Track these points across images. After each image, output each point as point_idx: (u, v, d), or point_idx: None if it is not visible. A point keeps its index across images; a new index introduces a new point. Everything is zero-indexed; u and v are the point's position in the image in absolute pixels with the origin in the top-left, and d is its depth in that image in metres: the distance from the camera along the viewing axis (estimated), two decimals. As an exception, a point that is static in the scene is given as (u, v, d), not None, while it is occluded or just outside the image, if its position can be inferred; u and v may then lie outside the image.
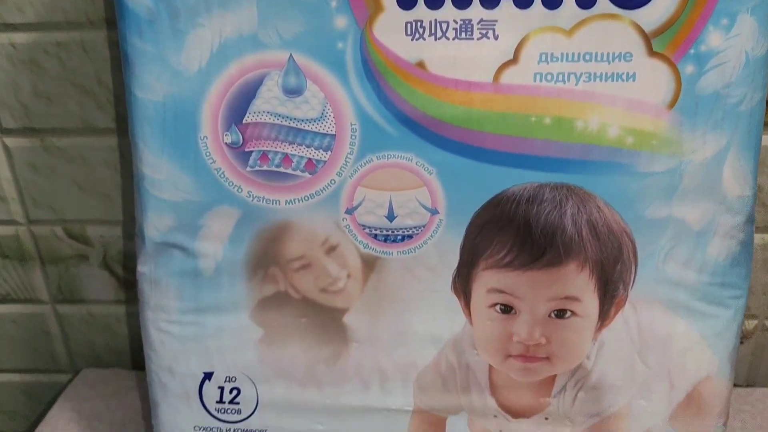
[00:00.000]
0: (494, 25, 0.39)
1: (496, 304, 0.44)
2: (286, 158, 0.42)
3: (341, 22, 0.39)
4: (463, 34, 0.39)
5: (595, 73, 0.40)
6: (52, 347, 0.76)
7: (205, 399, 0.47)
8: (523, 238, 0.42)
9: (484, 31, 0.39)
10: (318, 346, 0.46)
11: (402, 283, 0.44)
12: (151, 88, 0.41)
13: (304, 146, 0.42)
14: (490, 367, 0.45)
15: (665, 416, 0.46)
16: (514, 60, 0.40)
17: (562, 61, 0.39)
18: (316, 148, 0.42)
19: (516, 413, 0.46)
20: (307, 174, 0.42)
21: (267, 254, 0.44)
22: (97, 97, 0.62)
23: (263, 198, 0.43)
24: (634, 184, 0.41)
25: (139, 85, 0.41)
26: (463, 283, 0.44)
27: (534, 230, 0.42)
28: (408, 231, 0.43)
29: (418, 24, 0.39)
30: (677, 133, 0.40)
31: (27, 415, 0.82)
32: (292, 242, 0.44)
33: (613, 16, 0.39)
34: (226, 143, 0.42)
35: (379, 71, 0.40)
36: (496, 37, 0.39)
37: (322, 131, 0.42)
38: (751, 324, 0.66)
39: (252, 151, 0.42)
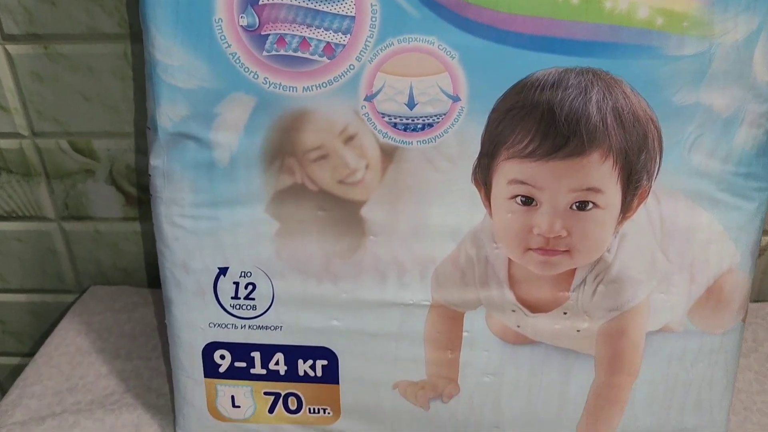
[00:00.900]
0: None
1: (516, 196, 0.43)
2: (304, 42, 0.41)
3: None
4: None
5: (626, -51, 0.38)
6: (58, 266, 0.76)
7: (220, 295, 0.47)
8: (546, 126, 0.41)
9: None
10: (335, 240, 0.45)
11: (421, 174, 0.43)
12: (163, -34, 0.40)
13: (322, 29, 0.41)
14: (510, 260, 0.45)
15: (684, 310, 0.45)
16: (543, -66, 0.38)
17: (592, -65, 0.38)
18: (334, 31, 0.41)
19: (534, 307, 0.46)
20: (325, 59, 0.41)
21: (283, 144, 0.43)
22: (103, 1, 0.60)
23: (280, 85, 0.42)
24: (662, 69, 0.40)
25: (151, -37, 0.40)
26: (483, 174, 0.43)
27: (558, 118, 0.41)
28: (428, 119, 0.42)
29: None
30: (708, 13, 0.39)
31: (34, 336, 0.82)
32: (309, 131, 0.43)
33: None
34: (241, 26, 0.41)
35: (402, -53, 0.39)
36: None
37: (341, 13, 0.40)
38: (763, 240, 0.66)
39: (268, 35, 0.41)
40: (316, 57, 0.41)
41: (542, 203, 0.43)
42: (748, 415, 0.55)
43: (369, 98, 0.42)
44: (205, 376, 0.50)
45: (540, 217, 0.43)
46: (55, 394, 0.59)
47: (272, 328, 0.48)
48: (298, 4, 0.40)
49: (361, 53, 0.41)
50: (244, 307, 0.47)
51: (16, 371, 0.82)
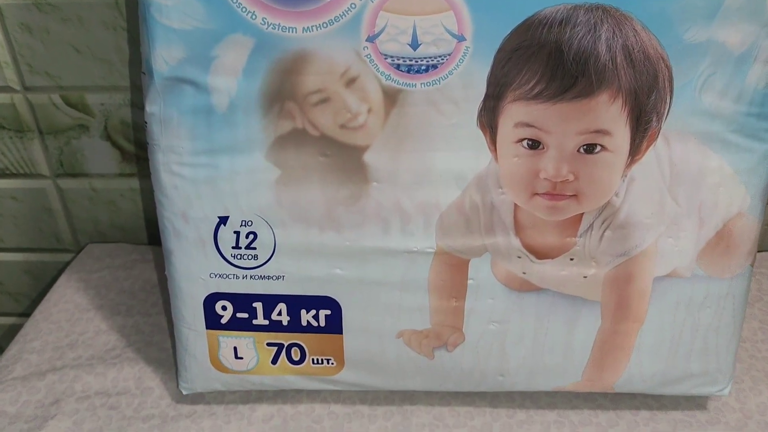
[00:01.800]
0: None
1: (523, 140, 0.42)
2: (303, -21, 0.39)
3: None
4: None
5: None
6: (54, 224, 0.75)
7: (220, 245, 0.46)
8: (553, 66, 0.40)
9: None
10: (337, 187, 0.44)
11: (425, 117, 0.42)
12: None
13: (322, -35, 0.39)
14: (516, 206, 0.44)
15: (693, 255, 0.45)
16: None
17: None
18: (335, -32, 0.39)
19: (540, 254, 0.45)
20: (325, -3, 0.40)
21: (283, 88, 0.42)
22: (92, -56, 0.58)
23: (279, 25, 0.40)
24: (673, 4, 0.39)
25: None
26: (489, 117, 0.42)
27: (566, 57, 0.40)
28: (432, 60, 0.41)
29: None
30: (722, -55, 0.38)
31: (31, 296, 0.81)
32: (309, 74, 0.41)
33: None
34: (238, -37, 0.39)
35: None
36: None
37: (341, -52, 0.39)
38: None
39: (266, -28, 0.39)
40: (316, -5, 0.40)
41: (549, 147, 0.42)
42: (753, 362, 0.55)
43: (371, 39, 0.40)
44: (206, 328, 0.49)
45: (547, 161, 0.42)
46: (55, 349, 0.58)
47: (274, 278, 0.47)
48: (296, -61, 0.39)
49: (363, -9, 0.39)
50: (245, 256, 0.46)
51: (13, 331, 0.82)
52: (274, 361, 0.50)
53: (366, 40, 0.40)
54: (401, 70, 0.41)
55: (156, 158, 0.45)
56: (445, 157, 0.43)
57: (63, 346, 0.59)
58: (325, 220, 0.45)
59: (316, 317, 0.48)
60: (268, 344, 0.49)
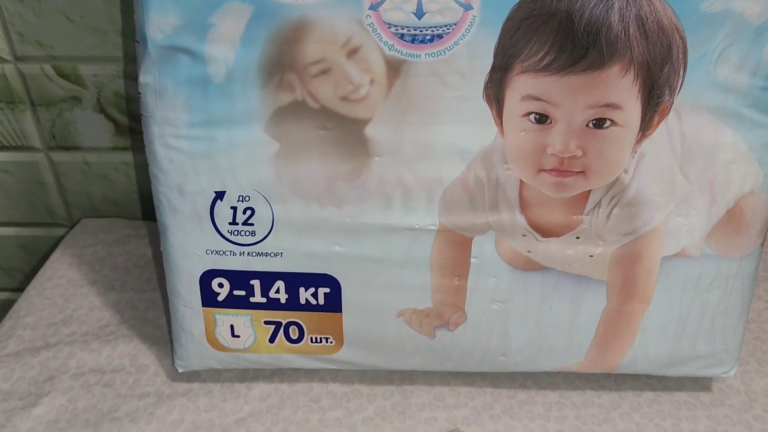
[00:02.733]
0: None
1: (530, 113, 0.41)
2: (304, -57, 0.38)
3: None
4: None
5: None
6: (47, 198, 0.73)
7: (217, 220, 0.45)
8: (563, 37, 0.38)
9: None
10: (337, 161, 0.43)
11: (429, 90, 0.41)
12: None
13: (323, -72, 0.37)
14: (521, 182, 0.42)
15: (702, 234, 0.44)
16: None
17: None
18: (336, -69, 0.37)
19: (546, 232, 0.44)
20: (326, -38, 0.38)
21: (283, 58, 0.40)
22: None
23: (278, -8, 0.39)
24: (690, -28, 0.37)
25: None
26: (495, 90, 0.41)
27: (576, 27, 0.38)
28: (438, 30, 0.39)
29: None
30: None
31: (25, 270, 0.80)
32: (310, 43, 0.40)
33: None
34: (235, -75, 0.38)
35: None
36: None
37: None
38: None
39: (265, -65, 0.38)
40: (317, -40, 0.38)
41: (557, 121, 0.40)
42: (758, 344, 0.54)
43: (374, 7, 0.39)
44: (203, 305, 0.48)
45: (554, 136, 0.41)
46: (48, 325, 0.57)
47: (272, 254, 0.46)
48: None
49: (366, -44, 0.38)
50: (242, 233, 0.45)
51: (6, 306, 0.81)
52: (272, 339, 0.49)
53: (369, 8, 0.39)
54: (405, 40, 0.40)
55: (150, 131, 0.43)
56: (450, 130, 0.42)
57: (57, 323, 0.58)
58: (325, 196, 0.43)
59: (315, 295, 0.47)
60: (266, 322, 0.48)
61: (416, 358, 0.49)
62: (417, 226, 0.44)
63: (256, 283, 0.47)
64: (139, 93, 0.43)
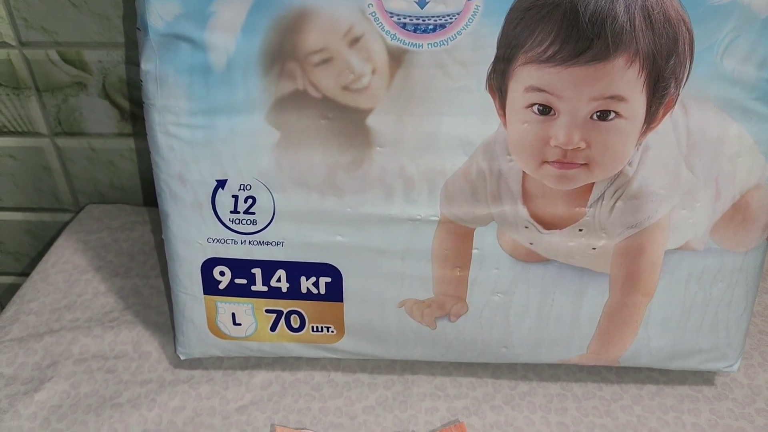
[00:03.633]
0: None
1: (533, 105, 0.40)
2: (305, -69, 0.37)
3: None
4: None
5: None
6: (53, 184, 0.73)
7: (218, 209, 0.45)
8: (568, 28, 0.38)
9: None
10: (339, 151, 0.42)
11: (432, 80, 0.40)
12: None
13: None
14: (524, 174, 0.42)
15: (707, 228, 0.43)
16: None
17: None
18: None
19: (548, 224, 0.44)
20: (328, -50, 0.38)
21: (284, 47, 0.40)
22: None
23: (279, -20, 0.38)
24: (698, -37, 0.37)
25: None
26: (498, 81, 0.40)
27: (581, 17, 0.37)
28: (440, 19, 0.39)
29: None
30: None
31: (31, 255, 0.80)
32: (311, 32, 0.40)
33: None
34: None
35: None
36: None
37: None
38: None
39: None
40: (318, -52, 0.38)
41: (561, 113, 0.40)
42: (763, 338, 0.54)
43: (376, -5, 0.38)
44: (204, 293, 0.48)
45: (558, 128, 0.40)
46: (52, 311, 0.58)
47: (273, 243, 0.46)
48: None
49: (368, -56, 0.37)
50: (243, 221, 0.45)
51: (13, 290, 0.81)
52: (273, 328, 0.49)
53: (371, -3, 0.39)
54: (407, 30, 0.39)
55: (152, 118, 0.43)
56: (452, 121, 0.41)
57: (61, 308, 0.58)
58: (326, 186, 0.43)
59: (316, 284, 0.47)
60: (267, 311, 0.48)
61: (417, 348, 0.49)
62: (418, 217, 0.44)
63: (257, 272, 0.47)
64: (141, 80, 0.43)
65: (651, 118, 0.40)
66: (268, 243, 0.45)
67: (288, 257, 0.46)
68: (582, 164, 0.41)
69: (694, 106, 0.40)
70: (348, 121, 0.42)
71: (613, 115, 0.40)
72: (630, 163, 0.41)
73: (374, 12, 0.39)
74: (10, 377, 0.51)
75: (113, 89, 0.66)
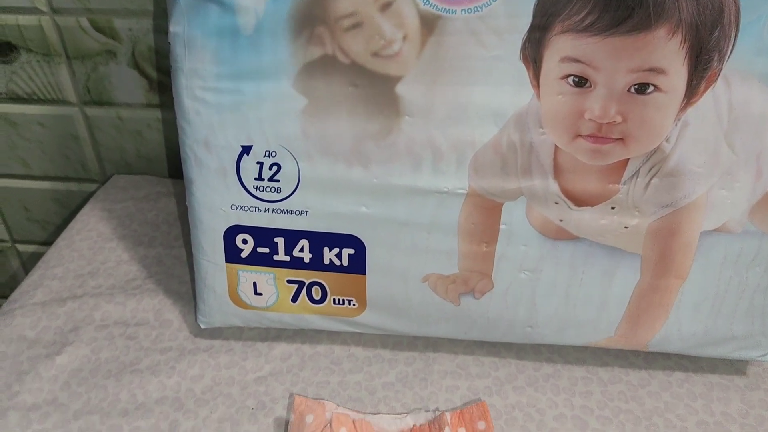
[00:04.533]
0: None
1: (569, 76, 0.39)
2: None
3: None
4: None
5: None
6: (81, 153, 0.74)
7: (242, 175, 0.44)
8: (608, -5, 0.37)
9: None
10: (367, 119, 0.41)
11: (464, 48, 0.39)
12: None
13: None
14: (556, 148, 0.41)
15: (746, 209, 0.42)
16: None
17: None
18: None
19: (579, 201, 0.42)
20: None
21: (313, 10, 0.39)
22: None
23: (311, -60, 0.37)
24: (748, -72, 0.35)
25: None
26: (533, 50, 0.39)
27: (622, -15, 0.36)
28: (475, -16, 0.38)
29: None
30: None
31: (58, 224, 0.81)
32: (342, -4, 0.39)
33: None
34: None
35: None
36: None
37: None
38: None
39: None
40: None
41: (597, 84, 0.39)
42: (797, 328, 0.52)
43: (410, -42, 0.37)
44: (226, 261, 0.47)
45: (593, 101, 0.39)
46: (76, 277, 0.58)
47: (297, 212, 0.45)
48: None
49: None
50: (267, 189, 0.44)
51: (37, 258, 0.82)
52: (294, 299, 0.48)
53: (404, -40, 0.37)
54: (441, -6, 0.38)
55: (179, 82, 0.43)
56: (484, 91, 0.40)
57: (84, 274, 0.58)
58: (353, 155, 0.42)
59: (339, 256, 0.46)
60: (289, 281, 0.48)
61: (440, 325, 0.48)
62: (446, 190, 0.43)
63: (280, 241, 0.46)
64: (169, 43, 0.42)
65: (691, 92, 0.39)
66: (291, 212, 0.45)
67: (311, 227, 0.45)
68: (617, 139, 0.40)
69: (738, 81, 0.38)
70: (377, 89, 0.41)
71: (651, 88, 0.38)
72: (667, 139, 0.40)
73: (407, -25, 0.38)
74: (33, 340, 0.51)
75: (142, 58, 0.66)
